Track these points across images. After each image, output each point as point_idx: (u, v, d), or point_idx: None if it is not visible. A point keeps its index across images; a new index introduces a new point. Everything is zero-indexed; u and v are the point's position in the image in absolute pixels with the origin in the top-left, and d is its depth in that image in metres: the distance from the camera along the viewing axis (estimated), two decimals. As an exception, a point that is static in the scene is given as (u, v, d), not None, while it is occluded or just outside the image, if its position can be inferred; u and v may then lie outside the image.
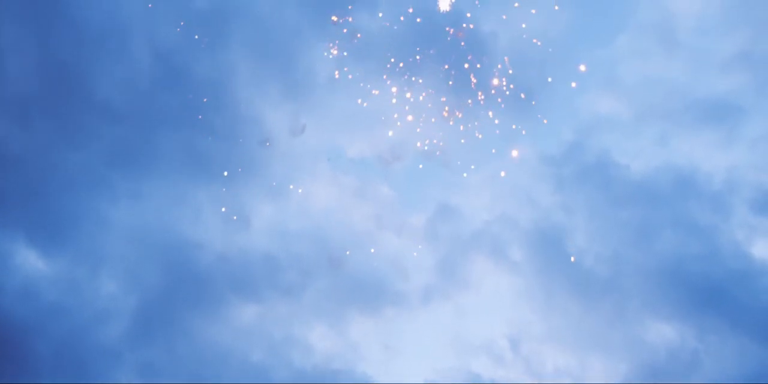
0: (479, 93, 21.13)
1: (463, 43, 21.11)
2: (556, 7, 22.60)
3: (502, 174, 23.93)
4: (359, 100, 22.40)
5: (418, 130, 21.84)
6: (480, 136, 21.78)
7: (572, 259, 24.47)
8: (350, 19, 21.54)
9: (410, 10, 21.27)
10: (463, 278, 25.24)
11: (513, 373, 24.19)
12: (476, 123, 21.52)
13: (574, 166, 25.37)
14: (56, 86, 23.92)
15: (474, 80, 21.10)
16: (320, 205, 25.66)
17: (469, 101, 21.31)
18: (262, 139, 24.52)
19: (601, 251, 24.62)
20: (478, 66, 21.19)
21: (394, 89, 21.64)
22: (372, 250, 24.95)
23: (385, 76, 21.70)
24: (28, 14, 23.83)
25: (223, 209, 24.20)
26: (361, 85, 22.19)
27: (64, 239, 23.86)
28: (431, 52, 21.21)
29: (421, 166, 24.40)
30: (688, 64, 25.58)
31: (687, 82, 25.54)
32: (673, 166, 25.04)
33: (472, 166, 23.73)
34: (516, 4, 21.52)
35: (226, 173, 23.79)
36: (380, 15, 22.41)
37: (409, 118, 21.68)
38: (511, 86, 21.22)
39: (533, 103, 22.17)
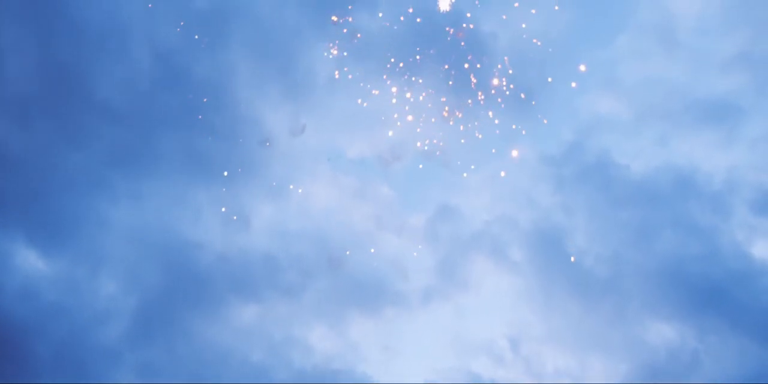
0: (479, 93, 21.14)
1: (463, 43, 21.13)
2: (557, 8, 22.65)
3: (502, 174, 23.95)
4: (359, 100, 22.41)
5: (418, 130, 21.85)
6: (480, 136, 21.79)
7: (572, 259, 24.48)
8: (350, 19, 21.54)
9: (410, 10, 21.28)
10: (463, 278, 25.27)
11: (513, 374, 24.20)
12: (476, 123, 21.54)
13: (574, 166, 25.40)
14: (56, 86, 23.93)
15: (474, 80, 21.10)
16: (320, 206, 25.69)
17: (469, 101, 21.31)
18: (262, 139, 24.53)
19: (601, 251, 24.63)
20: (478, 66, 21.19)
21: (394, 89, 21.63)
22: (372, 251, 24.96)
23: (385, 76, 21.70)
24: (28, 14, 23.84)
25: (223, 209, 24.21)
26: (361, 85, 22.20)
27: (64, 239, 23.88)
28: (431, 52, 21.22)
29: (421, 166, 24.42)
30: (688, 65, 25.62)
31: (687, 82, 25.58)
32: (673, 167, 25.05)
33: (472, 166, 23.74)
34: (516, 4, 21.54)
35: (226, 173, 23.80)
36: (380, 15, 22.42)
37: (409, 118, 21.68)
38: (511, 86, 21.23)
39: (533, 103, 22.19)
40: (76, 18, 23.99)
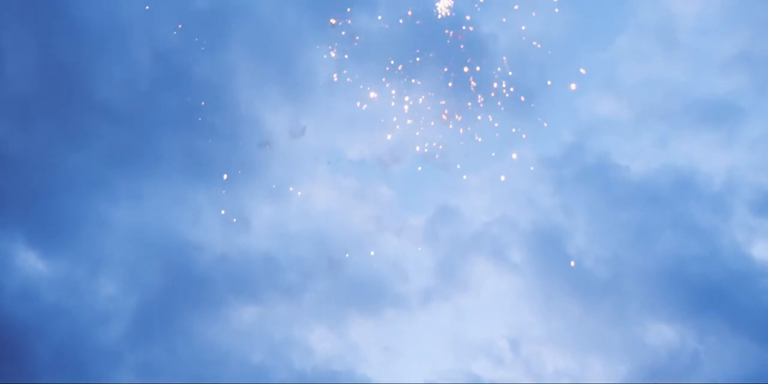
0: (479, 96, 21.06)
1: (462, 46, 21.05)
2: (557, 10, 22.58)
3: (502, 178, 23.97)
4: (358, 103, 22.36)
5: (417, 133, 21.79)
6: (479, 139, 21.75)
7: (572, 260, 24.48)
8: (349, 22, 21.46)
9: (409, 13, 21.21)
10: (463, 280, 25.26)
11: (513, 375, 24.21)
12: (476, 126, 21.50)
13: (573, 167, 25.37)
14: (56, 86, 23.92)
15: (473, 83, 21.04)
16: (320, 207, 25.69)
17: (469, 104, 21.24)
18: (262, 140, 24.54)
19: (601, 252, 24.62)
20: (478, 68, 21.10)
21: (393, 92, 21.58)
22: (372, 252, 24.96)
23: (384, 79, 21.61)
24: (28, 14, 23.82)
25: (223, 211, 24.23)
26: (361, 87, 22.14)
27: (64, 240, 23.89)
28: (431, 54, 21.12)
29: (420, 168, 24.40)
30: (688, 65, 25.57)
31: (687, 82, 25.54)
32: (672, 167, 25.02)
33: (472, 169, 23.75)
34: (516, 7, 21.48)
35: (225, 175, 23.80)
36: (379, 17, 22.37)
37: (409, 121, 21.62)
38: (511, 89, 21.14)
39: (533, 105, 22.16)
40: (76, 18, 23.99)
